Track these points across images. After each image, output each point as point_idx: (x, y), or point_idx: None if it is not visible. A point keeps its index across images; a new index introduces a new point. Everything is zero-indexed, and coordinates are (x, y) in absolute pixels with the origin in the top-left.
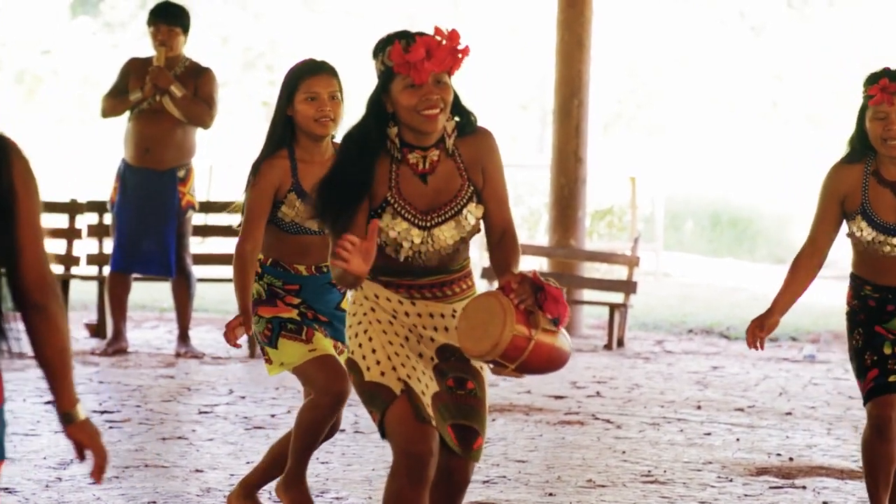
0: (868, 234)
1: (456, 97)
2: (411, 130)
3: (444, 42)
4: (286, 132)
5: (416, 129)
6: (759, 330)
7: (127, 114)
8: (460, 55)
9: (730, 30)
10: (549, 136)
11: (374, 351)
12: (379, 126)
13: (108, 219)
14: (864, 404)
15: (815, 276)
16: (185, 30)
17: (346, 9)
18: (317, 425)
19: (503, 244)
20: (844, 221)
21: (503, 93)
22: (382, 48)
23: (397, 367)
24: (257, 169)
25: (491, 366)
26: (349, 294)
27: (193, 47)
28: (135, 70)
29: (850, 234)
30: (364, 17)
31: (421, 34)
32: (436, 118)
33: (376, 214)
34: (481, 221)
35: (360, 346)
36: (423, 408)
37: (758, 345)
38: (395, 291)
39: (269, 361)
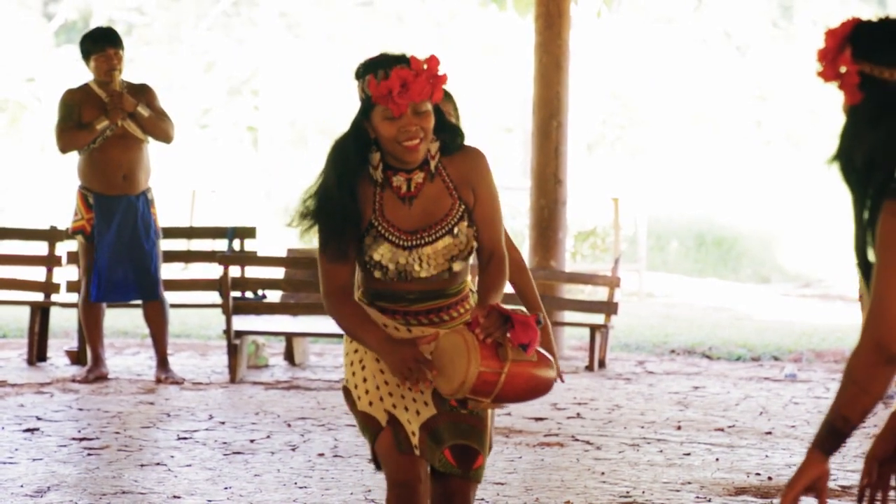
0: None
1: (440, 116)
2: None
3: (421, 72)
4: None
5: (398, 158)
6: None
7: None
8: (439, 82)
9: (715, 50)
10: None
11: (365, 380)
12: (359, 150)
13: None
14: None
15: None
16: (124, 51)
17: (328, 34)
18: None
19: (488, 269)
20: None
21: (488, 116)
22: (363, 74)
23: (384, 396)
24: None
25: (469, 403)
26: None
27: (179, 74)
28: (83, 100)
29: None
30: (347, 41)
31: (399, 61)
32: (416, 148)
33: (362, 236)
34: (474, 241)
35: (353, 374)
36: (405, 438)
37: None
38: (392, 318)
39: None
